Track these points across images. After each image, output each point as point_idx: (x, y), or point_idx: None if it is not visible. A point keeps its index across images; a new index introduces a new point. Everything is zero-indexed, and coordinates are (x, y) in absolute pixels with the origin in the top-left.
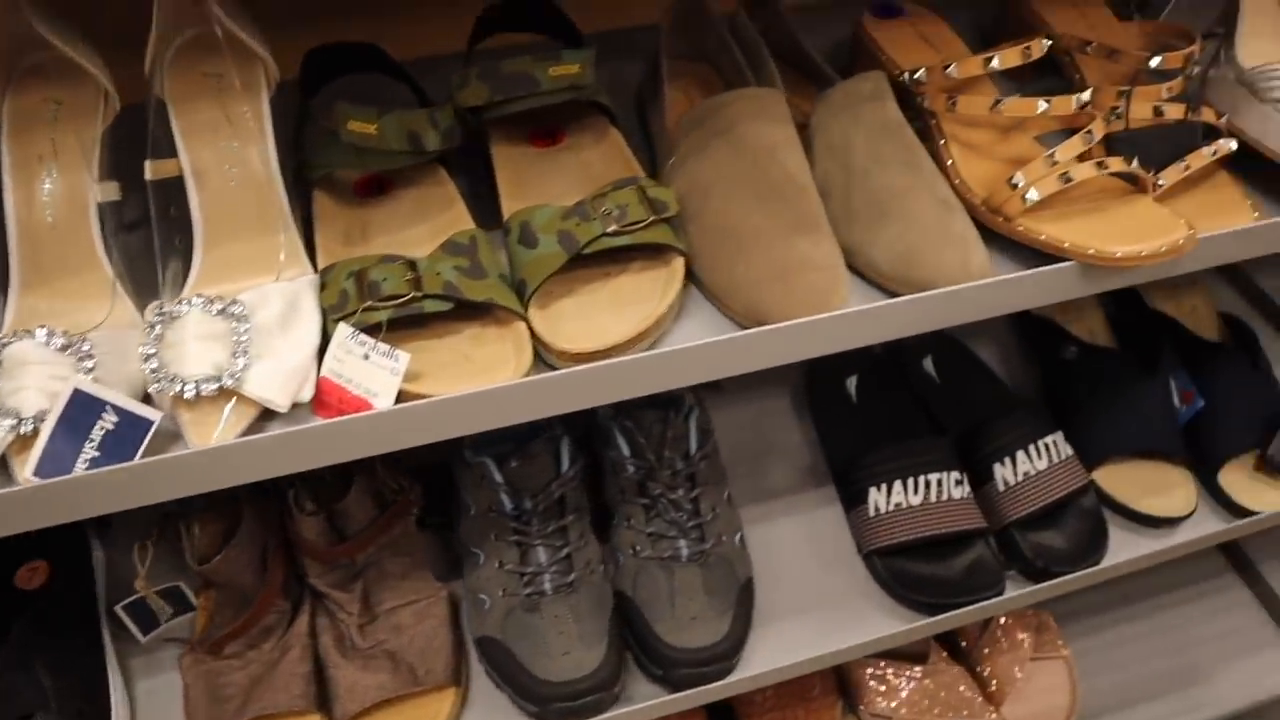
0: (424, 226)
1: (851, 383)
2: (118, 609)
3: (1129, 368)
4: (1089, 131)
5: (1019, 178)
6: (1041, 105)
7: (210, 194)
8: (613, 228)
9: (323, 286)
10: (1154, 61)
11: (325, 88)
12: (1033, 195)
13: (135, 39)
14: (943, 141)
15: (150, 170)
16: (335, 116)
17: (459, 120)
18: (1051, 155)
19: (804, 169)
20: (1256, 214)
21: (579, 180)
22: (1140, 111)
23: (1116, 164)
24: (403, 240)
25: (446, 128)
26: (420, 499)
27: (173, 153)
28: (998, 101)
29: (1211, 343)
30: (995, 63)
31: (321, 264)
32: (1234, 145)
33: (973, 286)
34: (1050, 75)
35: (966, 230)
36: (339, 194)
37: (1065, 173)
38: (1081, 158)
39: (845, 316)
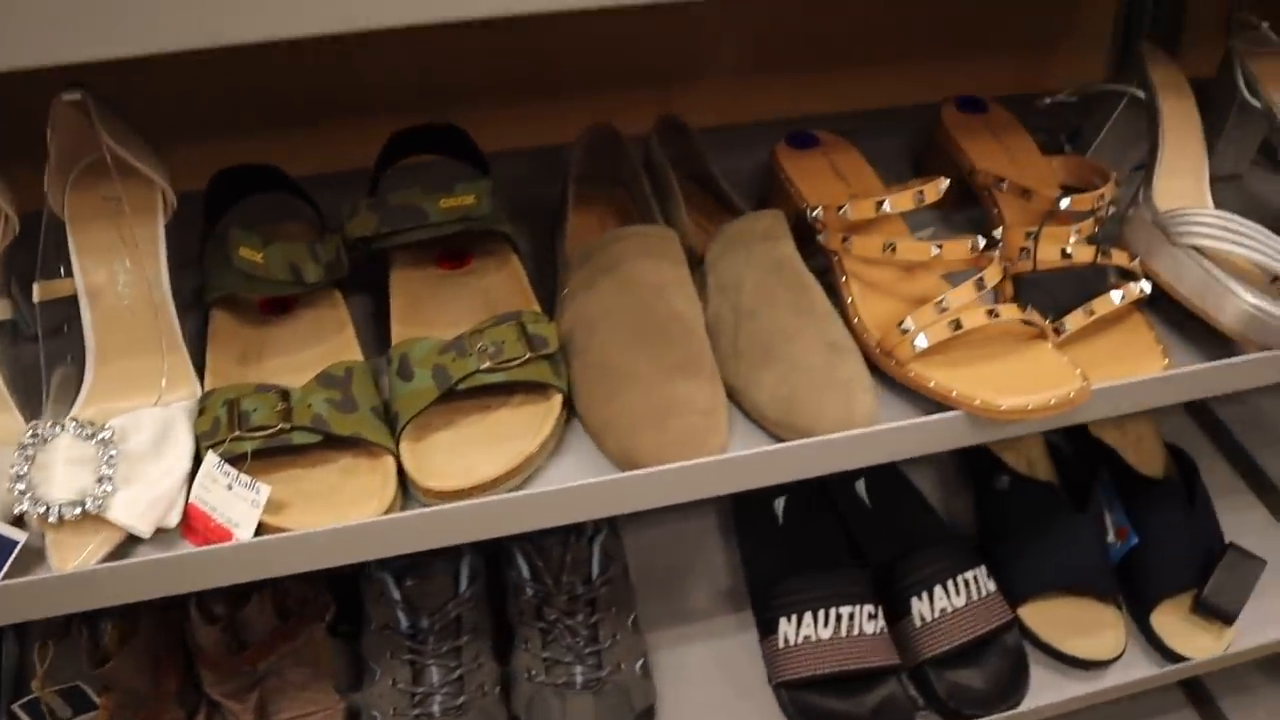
0: (316, 350)
1: (779, 504)
2: (14, 708)
3: (1062, 500)
4: (980, 279)
5: (909, 323)
6: (934, 250)
7: (102, 314)
8: (487, 364)
9: (201, 411)
10: (1063, 203)
11: (233, 207)
12: (921, 342)
13: (29, 154)
14: (844, 279)
15: (39, 292)
16: (229, 242)
17: (352, 247)
18: (942, 301)
19: (693, 308)
20: (1167, 361)
21: (476, 307)
22: (1048, 254)
23: (1009, 312)
24: (295, 363)
25: (329, 260)
26: (331, 606)
27: (62, 272)
28: (890, 245)
29: (1148, 478)
30: (886, 206)
31: (209, 385)
32: (1147, 289)
33: (853, 435)
34: (976, 205)
35: (854, 375)
36: (241, 312)
37: (955, 320)
38: (1000, 293)
39: (718, 463)
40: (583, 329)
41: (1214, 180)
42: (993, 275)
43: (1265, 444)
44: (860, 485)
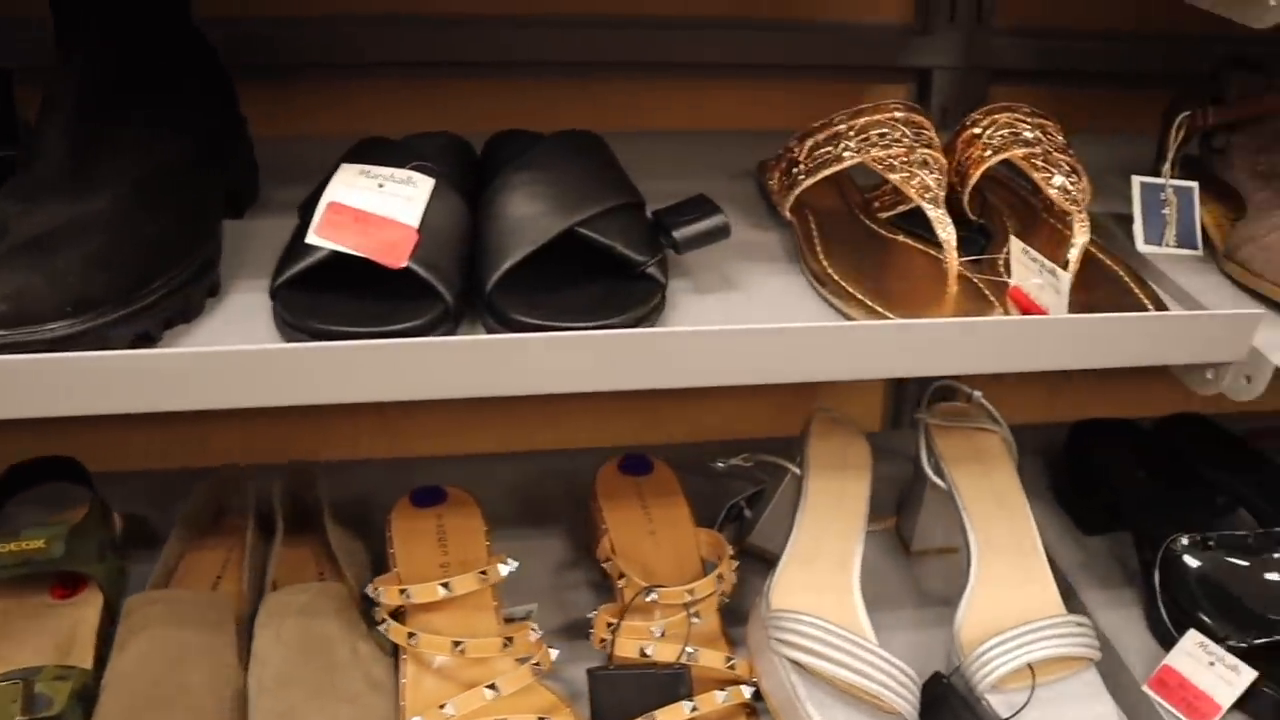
0: None
1: None
2: None
3: None
4: (493, 685)
5: None
6: (452, 645)
7: None
8: None
9: None
10: (650, 595)
11: None
12: None
13: None
14: (404, 656)
15: None
16: None
17: None
18: (445, 706)
19: (218, 680)
20: None
21: (50, 645)
22: (626, 650)
23: None
24: None
25: None
26: None
27: None
28: (412, 635)
29: None
30: (410, 595)
31: None
32: (745, 695)
33: None
34: None
35: None
36: None
37: None
38: None
39: None
40: (106, 691)
41: (923, 554)
42: (509, 683)
43: None
44: None
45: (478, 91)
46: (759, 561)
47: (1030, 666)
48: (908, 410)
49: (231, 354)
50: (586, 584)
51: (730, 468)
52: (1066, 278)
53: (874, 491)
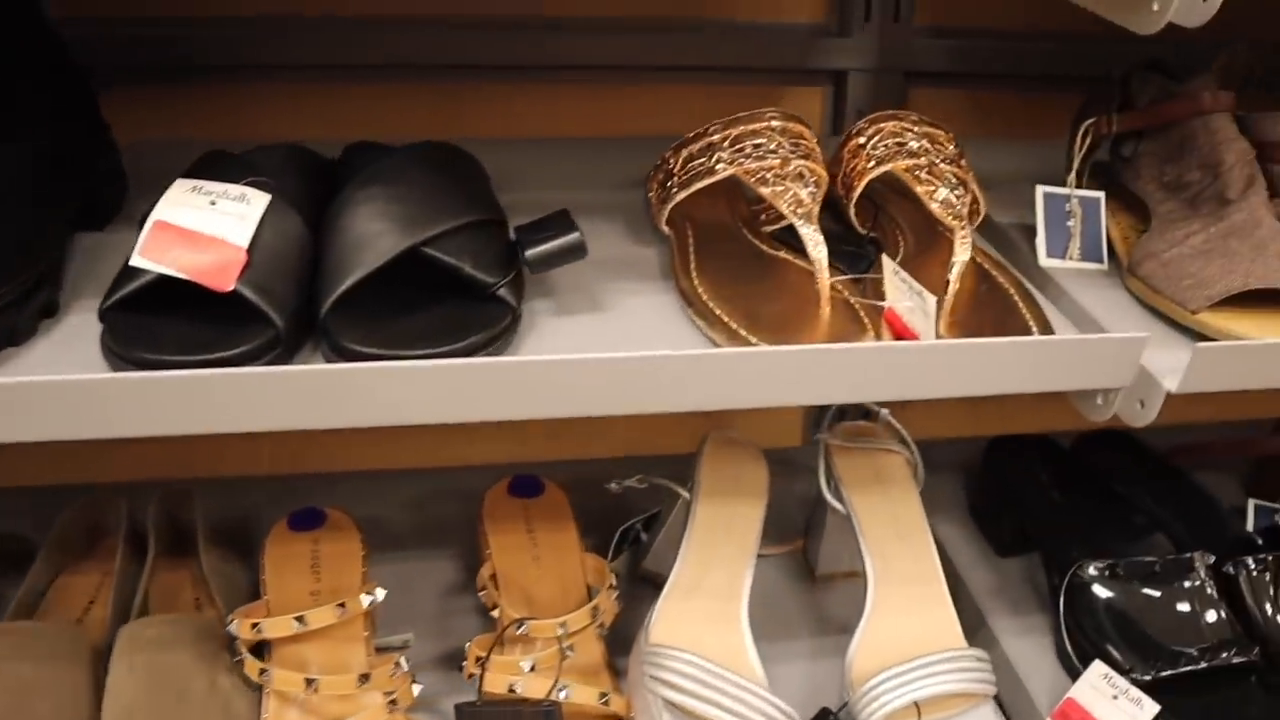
0: None
1: None
2: None
3: None
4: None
5: None
6: (305, 684)
7: None
8: None
9: None
10: (522, 628)
11: None
12: None
13: None
14: (266, 692)
15: None
16: None
17: None
18: None
19: (67, 714)
20: None
21: None
22: (495, 685)
23: None
24: None
25: None
26: None
27: None
28: (264, 670)
29: None
30: (261, 630)
31: None
32: None
33: None
34: None
35: None
36: None
37: None
38: None
39: None
40: None
41: (829, 578)
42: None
43: None
44: None
45: (376, 95)
46: (654, 588)
47: (916, 704)
48: None
49: (28, 385)
50: (475, 610)
51: (625, 489)
52: (933, 301)
53: (786, 512)
